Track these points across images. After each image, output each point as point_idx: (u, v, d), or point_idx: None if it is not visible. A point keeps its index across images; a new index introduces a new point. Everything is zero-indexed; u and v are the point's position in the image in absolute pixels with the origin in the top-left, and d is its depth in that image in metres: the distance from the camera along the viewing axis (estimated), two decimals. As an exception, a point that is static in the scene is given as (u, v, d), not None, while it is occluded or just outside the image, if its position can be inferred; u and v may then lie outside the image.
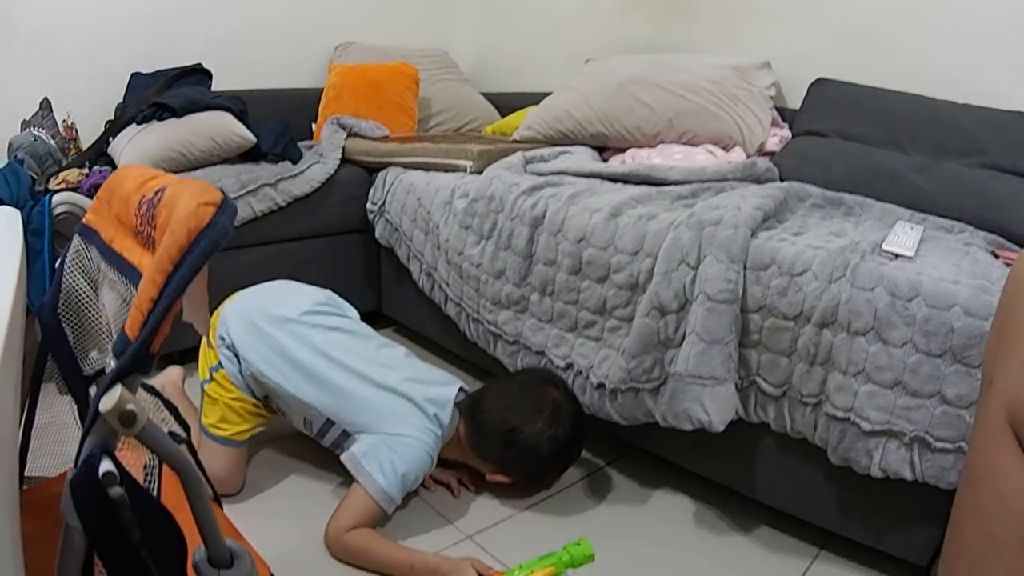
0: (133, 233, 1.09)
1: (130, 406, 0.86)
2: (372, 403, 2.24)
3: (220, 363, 2.32)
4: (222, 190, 0.95)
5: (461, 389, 2.39)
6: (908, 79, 3.16)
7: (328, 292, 2.56)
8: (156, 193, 1.03)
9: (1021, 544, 0.91)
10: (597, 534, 2.11)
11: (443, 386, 2.36)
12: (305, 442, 2.42)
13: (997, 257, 2.26)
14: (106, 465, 0.88)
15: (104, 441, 0.91)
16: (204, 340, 2.41)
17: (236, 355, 2.30)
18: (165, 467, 1.08)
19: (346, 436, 2.25)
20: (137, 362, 0.89)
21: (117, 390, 0.86)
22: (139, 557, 0.93)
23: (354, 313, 2.56)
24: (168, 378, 2.70)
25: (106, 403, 0.86)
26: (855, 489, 2.08)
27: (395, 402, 2.24)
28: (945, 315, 1.79)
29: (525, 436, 2.27)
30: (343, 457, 2.21)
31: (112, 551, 0.92)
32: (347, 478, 2.17)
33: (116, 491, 0.89)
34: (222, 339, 2.32)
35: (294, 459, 2.54)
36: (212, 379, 2.33)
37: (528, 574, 1.89)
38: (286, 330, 2.30)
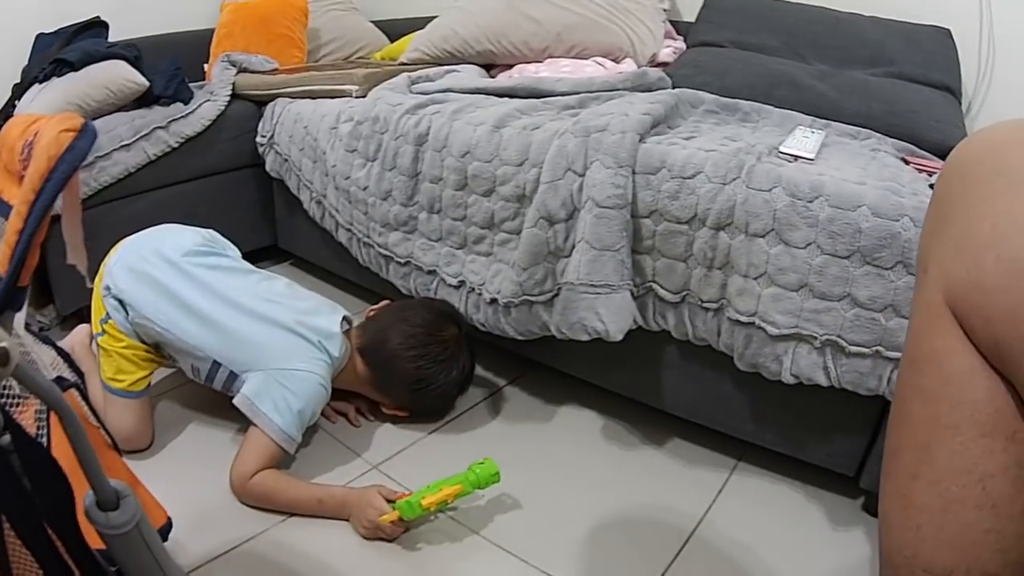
0: (18, 179, 1.04)
1: (2, 344, 0.79)
2: (257, 339, 2.14)
3: (108, 314, 2.23)
4: (85, 118, 0.93)
5: (345, 318, 2.33)
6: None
7: (209, 232, 2.47)
8: (35, 135, 0.98)
9: (973, 425, 0.86)
10: (503, 455, 2.06)
11: (326, 315, 2.29)
12: (201, 392, 2.34)
13: (907, 164, 2.21)
14: None
15: None
16: (94, 294, 2.31)
17: (122, 303, 2.20)
18: (56, 420, 1.06)
19: (234, 377, 2.15)
20: (8, 297, 0.88)
21: None
22: (33, 505, 0.93)
23: (235, 251, 2.47)
24: (76, 338, 2.60)
25: None
26: (769, 397, 2.04)
27: (280, 336, 2.15)
28: (851, 215, 1.72)
29: (438, 383, 2.29)
30: (236, 400, 2.10)
31: (5, 499, 0.92)
32: (246, 422, 2.09)
33: (4, 440, 0.88)
34: (108, 289, 2.23)
35: (191, 410, 2.44)
36: (103, 331, 2.24)
37: (436, 492, 1.89)
38: (169, 273, 2.20)
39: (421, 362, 2.25)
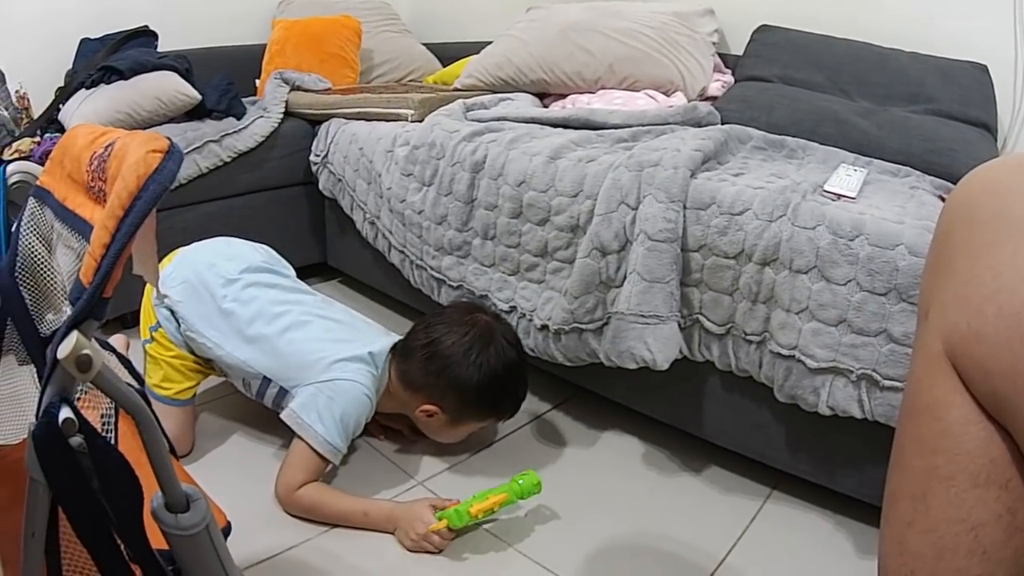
0: (85, 189, 1.08)
1: (86, 351, 0.85)
2: (307, 357, 2.17)
3: (159, 323, 2.28)
4: (169, 138, 0.96)
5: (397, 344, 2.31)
6: (854, 28, 3.15)
7: (265, 248, 2.51)
8: (106, 148, 1.03)
9: (967, 476, 0.87)
10: (546, 475, 2.11)
11: (379, 336, 2.31)
12: (245, 403, 2.39)
13: (944, 201, 2.22)
14: (65, 412, 0.89)
15: (62, 389, 0.91)
16: (144, 301, 2.36)
17: (174, 314, 2.25)
18: (121, 420, 1.11)
19: (284, 393, 2.18)
20: (92, 307, 0.89)
21: (73, 336, 0.85)
22: (99, 505, 0.94)
23: (291, 271, 2.50)
24: (118, 344, 2.60)
25: (63, 349, 0.84)
26: (805, 428, 2.07)
27: (329, 352, 2.17)
28: (889, 254, 1.76)
29: (445, 345, 2.17)
30: (283, 415, 2.13)
31: (73, 500, 0.93)
32: (289, 436, 2.12)
33: (76, 440, 0.90)
34: (160, 298, 2.27)
35: (235, 420, 2.49)
36: (152, 339, 2.29)
37: (483, 501, 1.95)
38: (223, 290, 2.25)
39: (431, 330, 2.21)
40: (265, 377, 2.19)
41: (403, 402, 2.26)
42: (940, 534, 0.89)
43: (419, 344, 2.21)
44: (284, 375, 2.17)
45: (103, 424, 1.11)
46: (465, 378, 2.14)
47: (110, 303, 0.90)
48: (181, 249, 2.39)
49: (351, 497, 2.09)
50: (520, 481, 2.01)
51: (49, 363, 0.89)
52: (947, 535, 0.89)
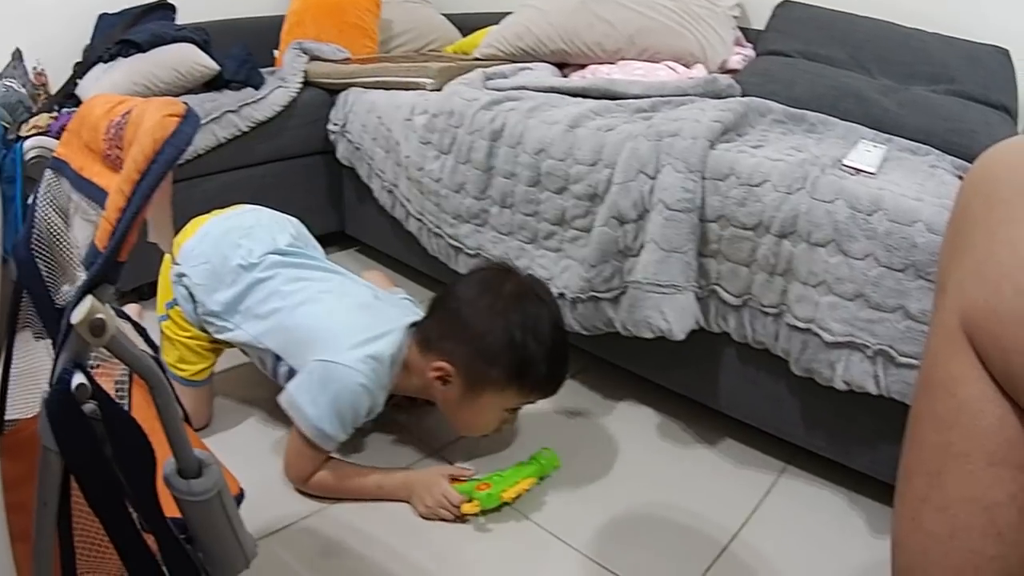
0: (102, 158, 1.08)
1: (100, 315, 0.84)
2: (315, 335, 2.07)
3: (176, 300, 2.23)
4: (186, 102, 0.95)
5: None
6: (876, 6, 3.14)
7: (295, 222, 2.44)
8: (123, 116, 1.02)
9: (983, 455, 0.87)
10: (561, 446, 2.14)
11: (402, 316, 2.17)
12: (264, 378, 2.33)
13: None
14: (78, 379, 0.88)
15: (76, 355, 0.90)
16: (163, 274, 2.31)
17: (192, 295, 2.20)
18: (135, 389, 1.11)
19: (293, 373, 2.08)
20: (107, 271, 0.89)
21: (88, 300, 0.85)
22: (112, 473, 0.94)
23: (318, 250, 2.43)
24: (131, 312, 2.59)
25: (77, 314, 0.84)
26: (821, 402, 2.07)
27: (338, 333, 2.06)
28: (907, 230, 1.76)
29: (457, 292, 2.06)
30: (279, 396, 2.03)
31: (85, 467, 0.93)
32: None
33: (88, 406, 0.89)
34: (180, 276, 2.20)
35: (254, 395, 2.49)
36: (168, 316, 2.26)
37: (513, 485, 1.98)
38: (247, 275, 2.18)
39: (450, 287, 2.13)
40: (276, 355, 2.13)
41: (420, 372, 2.06)
42: (954, 512, 0.89)
43: (435, 304, 2.12)
44: (291, 351, 2.10)
45: (117, 391, 1.11)
46: (476, 322, 1.98)
47: (125, 268, 0.90)
48: (206, 221, 2.32)
49: (363, 472, 2.08)
50: (542, 460, 2.05)
51: (63, 329, 0.90)
52: (961, 514, 0.89)
